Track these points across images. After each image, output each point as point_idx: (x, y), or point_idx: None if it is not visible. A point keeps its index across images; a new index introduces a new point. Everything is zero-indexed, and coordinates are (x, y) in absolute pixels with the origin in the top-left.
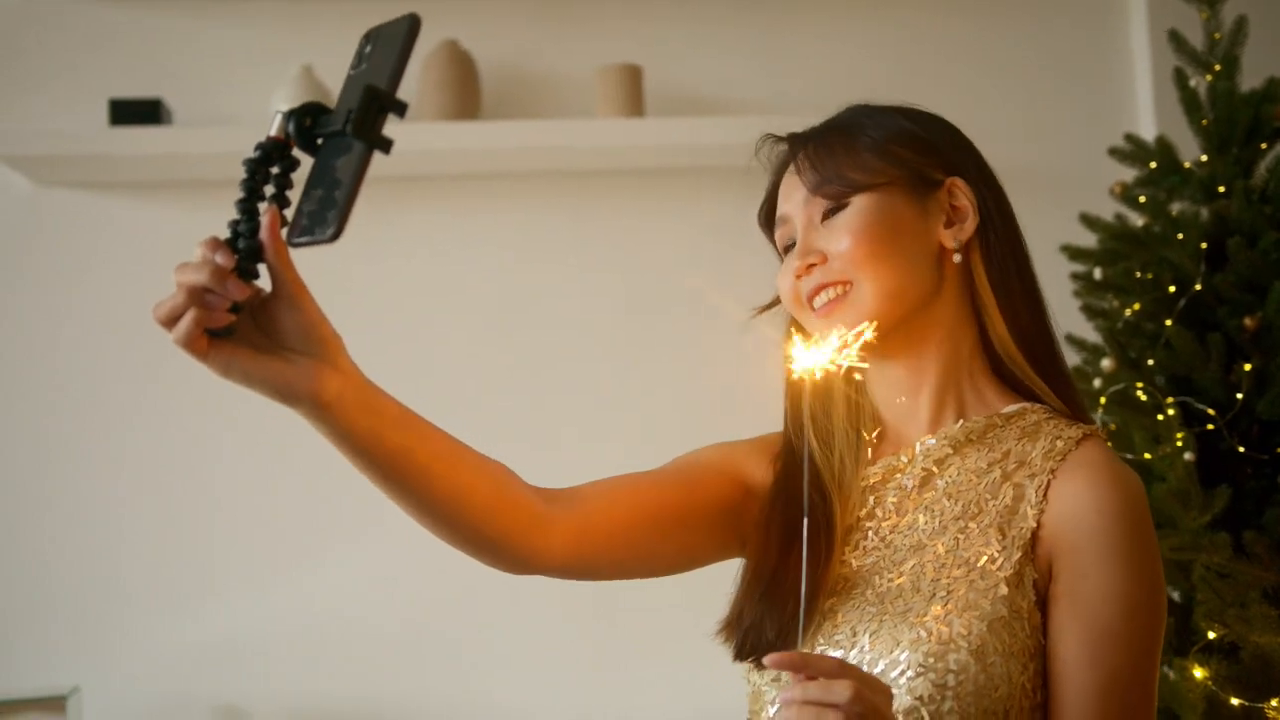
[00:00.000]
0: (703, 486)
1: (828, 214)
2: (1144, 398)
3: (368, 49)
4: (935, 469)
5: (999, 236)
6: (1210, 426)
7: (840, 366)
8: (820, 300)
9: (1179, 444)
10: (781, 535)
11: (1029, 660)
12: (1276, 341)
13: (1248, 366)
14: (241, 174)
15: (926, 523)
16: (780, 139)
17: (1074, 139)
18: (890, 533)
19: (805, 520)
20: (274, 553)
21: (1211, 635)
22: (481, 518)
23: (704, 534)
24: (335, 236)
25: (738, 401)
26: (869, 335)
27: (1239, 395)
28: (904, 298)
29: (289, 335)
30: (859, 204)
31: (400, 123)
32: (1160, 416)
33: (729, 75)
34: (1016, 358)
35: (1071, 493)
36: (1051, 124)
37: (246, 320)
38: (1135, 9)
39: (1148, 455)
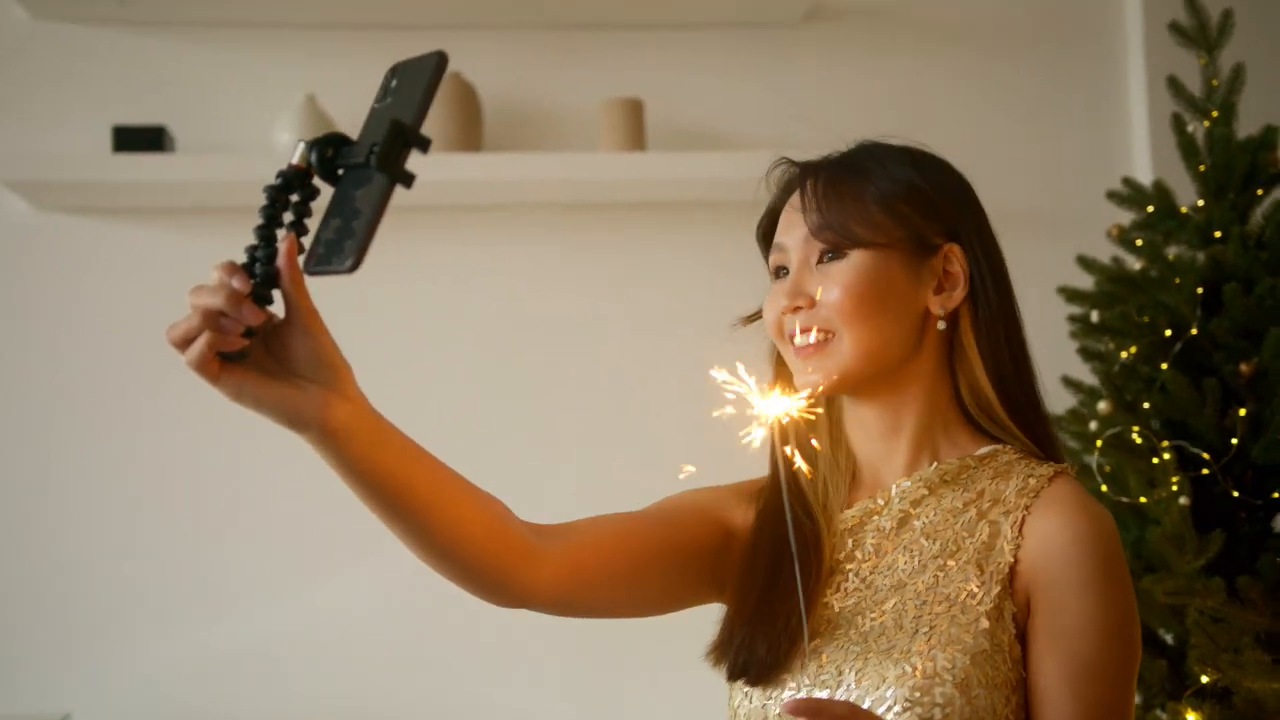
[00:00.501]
0: (686, 528)
1: (824, 258)
2: (1139, 441)
3: (393, 83)
4: (912, 510)
5: (989, 303)
6: (1205, 471)
7: (791, 416)
8: (801, 341)
9: (1174, 488)
10: (768, 560)
11: (1011, 693)
12: (1272, 387)
13: (1243, 412)
14: (261, 201)
15: (906, 562)
16: (793, 164)
17: (1071, 181)
18: (870, 573)
19: (792, 538)
20: (268, 572)
21: (1205, 680)
22: (476, 551)
23: (685, 575)
24: (354, 268)
25: (734, 436)
26: (818, 400)
27: (1234, 440)
28: (881, 357)
29: (300, 362)
30: (856, 260)
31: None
32: (1155, 460)
33: (730, 110)
34: (996, 409)
35: (1046, 528)
36: (1049, 166)
37: (259, 345)
38: (1133, 54)
39: (1143, 499)
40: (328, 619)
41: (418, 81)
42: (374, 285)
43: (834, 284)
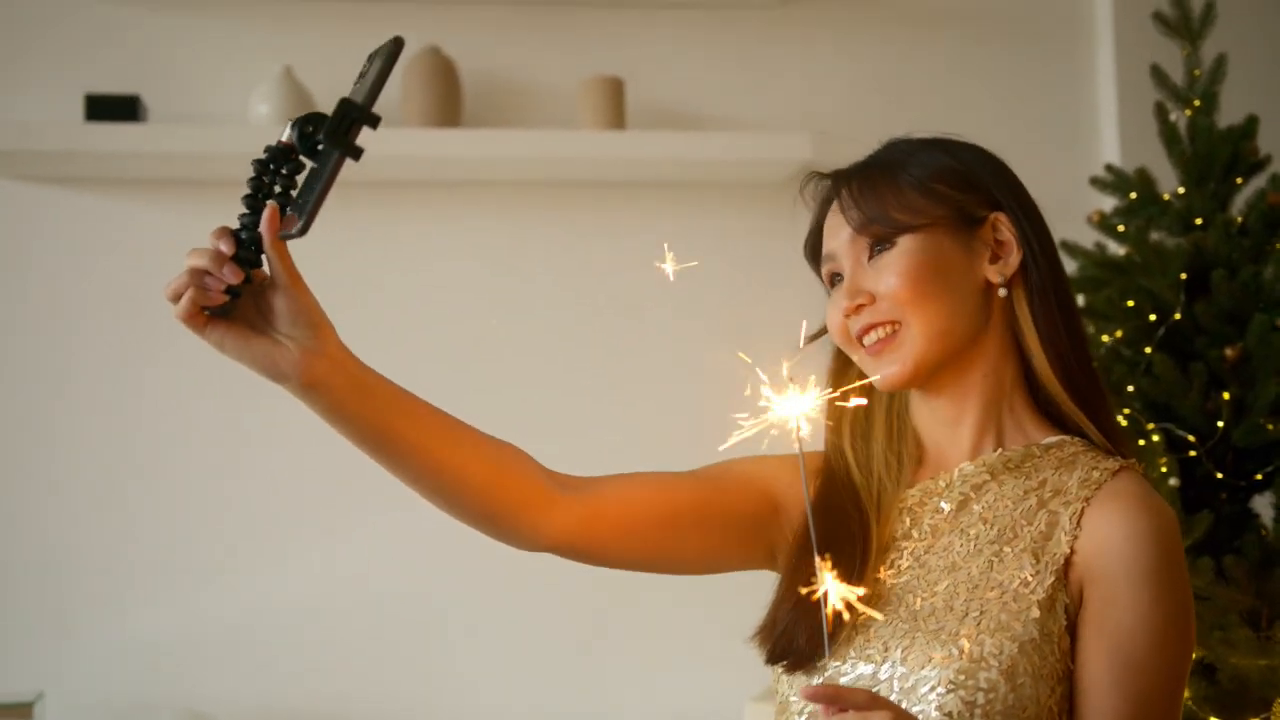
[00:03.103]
0: (729, 494)
1: (874, 252)
2: (1126, 424)
3: (366, 66)
4: (973, 494)
5: (1041, 269)
6: (1192, 453)
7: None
8: (870, 339)
9: (1163, 470)
10: (817, 538)
11: (1057, 684)
12: (1255, 372)
13: (1226, 396)
14: (248, 173)
15: (962, 545)
16: (824, 176)
17: (1047, 167)
18: (925, 553)
19: (813, 538)
20: (244, 548)
21: (1192, 657)
22: (480, 493)
23: (724, 540)
24: (301, 232)
25: (719, 411)
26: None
27: (1219, 424)
28: (951, 336)
29: (282, 319)
30: (905, 244)
31: (383, 128)
32: (1143, 442)
33: (710, 90)
34: (1058, 390)
35: (1105, 521)
36: (1026, 151)
37: (249, 303)
38: (1103, 42)
39: None
40: (306, 595)
41: (378, 65)
42: (351, 259)
43: (890, 273)
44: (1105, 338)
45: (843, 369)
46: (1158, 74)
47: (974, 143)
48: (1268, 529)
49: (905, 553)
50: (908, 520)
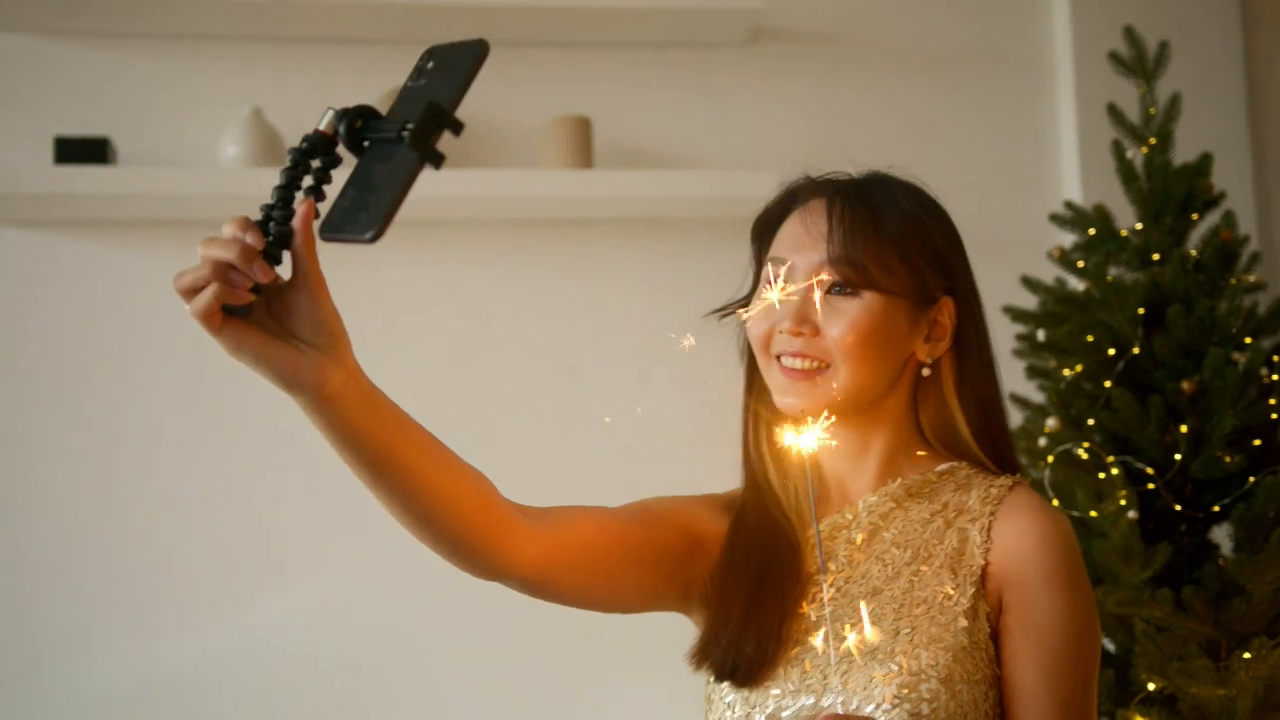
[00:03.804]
0: (657, 530)
1: (832, 289)
2: (1086, 457)
3: (429, 65)
4: (881, 523)
5: (972, 353)
6: (1150, 485)
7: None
8: (792, 363)
9: (1122, 502)
10: (752, 568)
11: (989, 688)
12: (1212, 404)
13: (1184, 428)
14: (285, 164)
15: (880, 571)
16: (814, 181)
17: (1009, 203)
18: (845, 583)
19: (819, 544)
20: (201, 599)
21: (1151, 687)
22: (461, 521)
23: (655, 576)
24: (374, 239)
25: (681, 449)
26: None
27: (1176, 456)
28: (868, 392)
29: (301, 325)
30: (869, 301)
31: (347, 167)
32: (1102, 475)
33: (676, 129)
34: (972, 445)
35: (1013, 531)
36: (987, 188)
37: (260, 305)
38: (1063, 81)
39: (1093, 513)
40: (273, 635)
41: (458, 66)
42: None
43: (844, 322)
44: (1066, 371)
45: (753, 363)
46: (1114, 112)
47: (943, 207)
48: (1226, 559)
49: (824, 585)
50: (820, 554)
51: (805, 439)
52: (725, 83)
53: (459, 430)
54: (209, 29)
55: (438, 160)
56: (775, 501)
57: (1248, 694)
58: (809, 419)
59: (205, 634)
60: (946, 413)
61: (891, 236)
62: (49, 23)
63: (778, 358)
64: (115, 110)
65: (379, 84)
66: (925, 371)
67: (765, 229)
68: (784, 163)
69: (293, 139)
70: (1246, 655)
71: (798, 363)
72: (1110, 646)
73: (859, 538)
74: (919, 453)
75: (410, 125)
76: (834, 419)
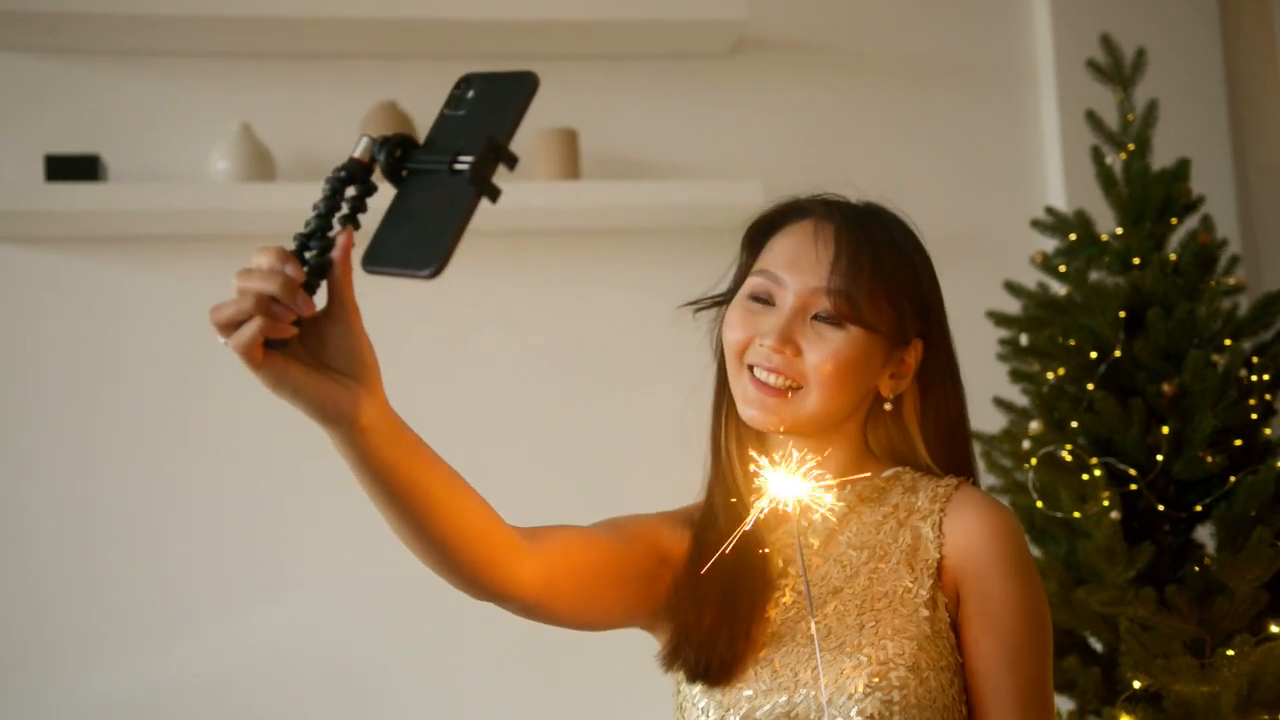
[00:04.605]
0: (632, 545)
1: (819, 315)
2: (1069, 459)
3: (469, 94)
4: (837, 527)
5: (939, 387)
6: (1133, 486)
7: (809, 504)
8: (765, 378)
9: (1105, 503)
10: (719, 579)
11: (954, 675)
12: (1193, 406)
13: (1166, 430)
14: (321, 192)
15: (839, 571)
16: (826, 204)
17: (992, 209)
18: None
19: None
20: (207, 599)
21: (1137, 685)
22: (467, 546)
23: (628, 593)
24: (435, 274)
25: (671, 460)
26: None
27: (1158, 457)
28: (833, 419)
29: (337, 356)
30: (854, 336)
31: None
32: (1086, 476)
33: (662, 140)
34: (927, 462)
35: (964, 525)
36: (971, 195)
37: (296, 337)
38: (1045, 88)
39: (1077, 514)
40: (273, 642)
41: (508, 99)
42: None
43: (827, 350)
44: (1049, 375)
45: (723, 367)
46: (1093, 119)
47: (926, 249)
48: (1212, 558)
49: (786, 589)
50: (780, 560)
51: (789, 489)
52: (710, 93)
53: (446, 442)
54: (197, 45)
55: (495, 195)
56: (744, 503)
57: (1231, 690)
58: (789, 462)
59: (205, 641)
60: (905, 437)
61: (886, 277)
62: (38, 41)
63: (750, 368)
64: (105, 127)
65: (367, 99)
66: (887, 406)
67: (759, 235)
68: (769, 171)
69: (282, 154)
70: (1230, 652)
71: (772, 379)
72: (1096, 646)
73: (815, 543)
74: (869, 463)
75: (465, 158)
76: (821, 471)
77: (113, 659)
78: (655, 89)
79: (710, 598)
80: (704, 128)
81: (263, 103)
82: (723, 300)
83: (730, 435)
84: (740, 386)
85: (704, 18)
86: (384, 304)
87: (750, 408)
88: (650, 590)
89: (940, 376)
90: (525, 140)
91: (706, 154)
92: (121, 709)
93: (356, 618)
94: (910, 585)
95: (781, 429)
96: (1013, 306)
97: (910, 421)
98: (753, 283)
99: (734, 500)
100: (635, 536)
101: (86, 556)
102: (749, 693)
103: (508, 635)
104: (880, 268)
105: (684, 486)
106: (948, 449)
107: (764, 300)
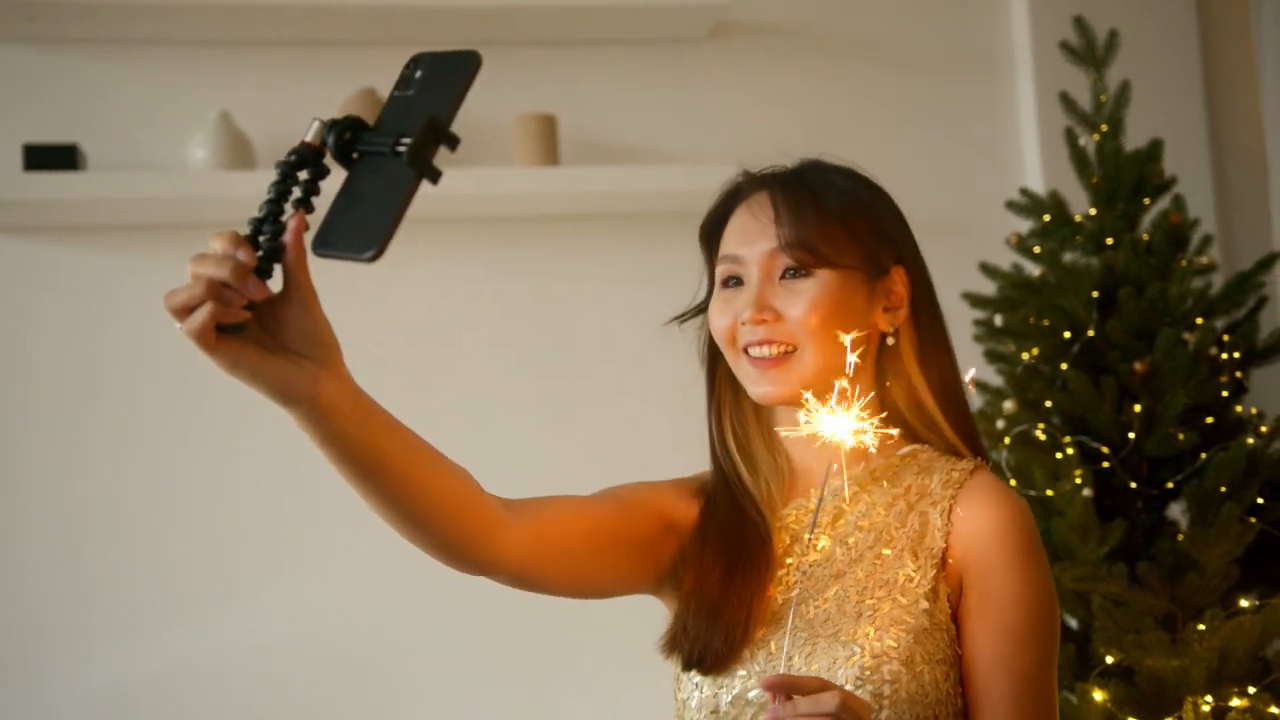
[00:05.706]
0: (634, 515)
1: (786, 274)
2: (1043, 437)
3: (416, 74)
4: (845, 506)
5: (926, 320)
6: (1106, 464)
7: (862, 441)
8: (759, 352)
9: (1078, 481)
10: (721, 555)
11: (950, 669)
12: (1164, 384)
13: (1138, 408)
14: (273, 179)
15: (843, 554)
16: (753, 176)
17: (969, 191)
18: (810, 566)
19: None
20: (205, 590)
21: (1109, 660)
22: (448, 519)
23: (631, 561)
24: (375, 258)
25: (654, 443)
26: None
27: (1130, 435)
28: (838, 371)
29: (295, 338)
30: (823, 279)
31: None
32: (1059, 455)
33: (641, 124)
34: (939, 418)
35: (973, 515)
36: (948, 177)
37: (252, 319)
38: (1022, 71)
39: (1050, 492)
40: (271, 632)
41: (452, 80)
42: None
43: (803, 302)
44: (1024, 355)
45: (714, 363)
46: (1066, 100)
47: (882, 188)
48: (1185, 534)
49: (791, 569)
50: (787, 538)
51: (839, 426)
52: (689, 78)
53: (430, 426)
54: (175, 34)
55: (435, 176)
56: (745, 494)
57: (1201, 665)
58: (837, 406)
59: (202, 633)
60: (910, 387)
61: (835, 214)
62: (15, 30)
63: (745, 350)
64: (83, 116)
65: (346, 86)
66: (890, 341)
67: (712, 230)
68: (748, 156)
69: (260, 142)
70: (1200, 627)
71: (765, 350)
72: (1070, 622)
73: (824, 521)
74: (883, 436)
75: (406, 140)
76: (877, 419)
77: (112, 656)
78: (634, 74)
79: (710, 583)
80: (683, 112)
81: (241, 90)
82: (703, 307)
83: (727, 433)
84: (741, 371)
85: (684, 2)
86: (362, 291)
87: (757, 386)
88: (652, 558)
89: (925, 304)
90: (504, 125)
91: (686, 139)
92: (121, 706)
93: (355, 614)
94: (913, 574)
95: (794, 398)
96: (988, 288)
97: (910, 361)
98: (719, 271)
99: (744, 503)
100: (637, 504)
101: (84, 553)
102: (743, 673)
103: (507, 630)
104: (827, 208)
105: (669, 471)
106: (947, 391)
107: (734, 282)
